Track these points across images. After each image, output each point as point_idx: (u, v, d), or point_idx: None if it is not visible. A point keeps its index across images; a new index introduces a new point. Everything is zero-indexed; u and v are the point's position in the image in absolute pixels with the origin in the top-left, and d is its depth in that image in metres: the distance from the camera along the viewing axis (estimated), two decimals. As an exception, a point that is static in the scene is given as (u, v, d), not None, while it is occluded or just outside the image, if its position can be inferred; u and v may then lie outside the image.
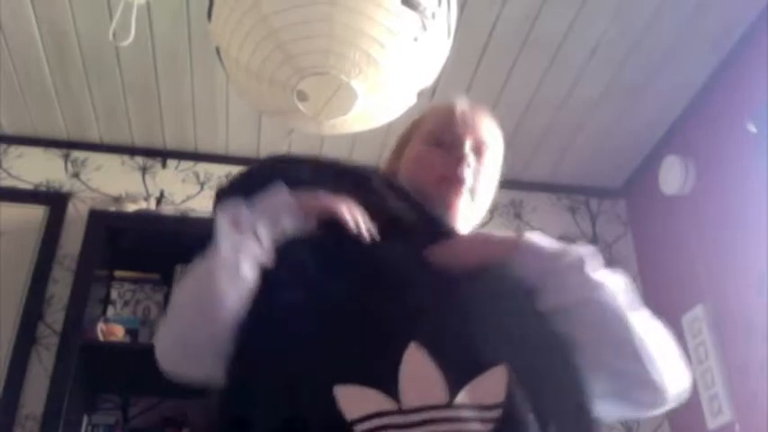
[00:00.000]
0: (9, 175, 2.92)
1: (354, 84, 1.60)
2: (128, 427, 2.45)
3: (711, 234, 2.72)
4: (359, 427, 0.86)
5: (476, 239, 1.14)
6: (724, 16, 2.54)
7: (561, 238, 3.16)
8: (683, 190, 2.86)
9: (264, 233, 1.05)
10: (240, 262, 1.01)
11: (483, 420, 0.89)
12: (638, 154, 3.19)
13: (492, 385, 0.92)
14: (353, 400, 0.88)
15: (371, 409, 0.88)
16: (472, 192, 1.21)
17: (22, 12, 2.47)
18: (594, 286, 1.04)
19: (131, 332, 2.45)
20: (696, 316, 2.73)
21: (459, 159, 1.20)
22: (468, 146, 1.21)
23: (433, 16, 1.14)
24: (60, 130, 2.98)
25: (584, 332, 1.02)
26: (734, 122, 2.61)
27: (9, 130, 2.98)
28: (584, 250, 1.08)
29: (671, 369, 1.06)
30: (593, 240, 3.27)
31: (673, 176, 2.89)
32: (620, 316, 1.03)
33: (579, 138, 3.09)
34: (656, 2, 2.49)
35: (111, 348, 2.37)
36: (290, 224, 1.07)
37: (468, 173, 1.20)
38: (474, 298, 1.02)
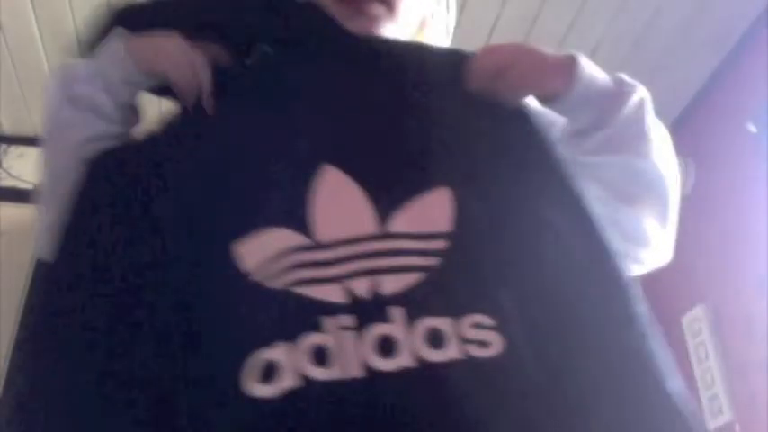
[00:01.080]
0: (9, 175, 2.92)
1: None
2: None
3: (711, 234, 2.71)
4: (262, 273, 0.68)
5: (525, 58, 0.89)
6: (724, 16, 2.54)
7: None
8: (682, 190, 2.84)
9: (104, 102, 0.89)
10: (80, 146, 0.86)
11: (424, 252, 0.70)
12: (638, 154, 3.19)
13: (433, 210, 0.73)
14: (252, 248, 0.70)
15: (272, 250, 0.68)
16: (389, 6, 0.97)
17: (22, 12, 2.47)
18: (647, 144, 0.89)
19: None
20: (696, 316, 2.73)
21: None
22: None
23: (432, 16, 1.13)
24: (60, 130, 2.98)
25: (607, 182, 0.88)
26: (734, 122, 2.61)
27: (9, 130, 2.98)
28: (641, 93, 0.92)
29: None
30: None
31: (673, 176, 2.89)
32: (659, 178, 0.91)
33: (579, 138, 3.08)
34: (656, 2, 2.49)
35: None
36: (127, 83, 0.90)
37: None
38: (413, 119, 0.81)
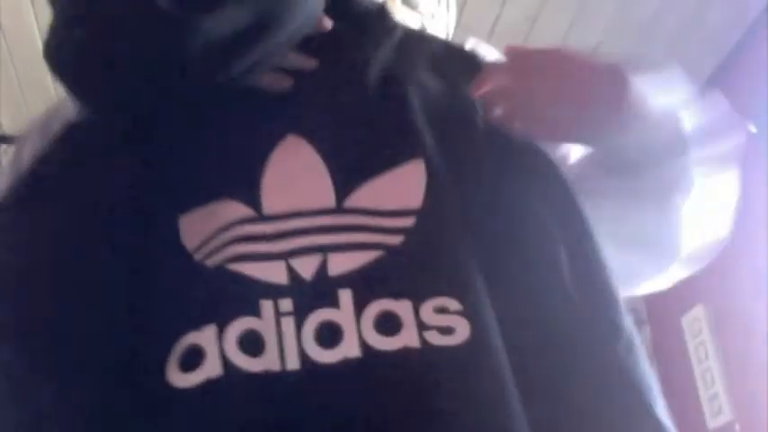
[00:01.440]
0: (9, 175, 2.92)
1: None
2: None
3: (711, 234, 2.71)
4: (203, 249, 0.61)
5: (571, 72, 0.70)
6: (724, 16, 2.54)
7: None
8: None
9: None
10: None
11: (386, 230, 0.62)
12: (638, 154, 3.19)
13: (403, 185, 0.64)
14: (196, 223, 0.62)
15: (215, 224, 0.61)
16: None
17: (22, 12, 2.46)
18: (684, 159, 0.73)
19: None
20: (696, 316, 2.73)
21: None
22: None
23: (433, 16, 1.11)
24: (60, 130, 2.98)
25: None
26: (734, 122, 2.61)
27: (9, 129, 2.97)
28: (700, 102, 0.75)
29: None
30: None
31: (673, 176, 2.89)
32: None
33: (579, 138, 3.08)
34: (656, 3, 2.49)
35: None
36: None
37: None
38: (388, 89, 0.71)
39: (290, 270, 0.59)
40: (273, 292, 0.58)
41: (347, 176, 0.64)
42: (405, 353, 0.55)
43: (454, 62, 0.78)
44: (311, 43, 0.70)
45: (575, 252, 0.67)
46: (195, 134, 0.67)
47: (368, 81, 0.71)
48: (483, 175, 0.68)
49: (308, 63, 0.70)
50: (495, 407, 0.55)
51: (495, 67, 0.73)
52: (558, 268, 0.65)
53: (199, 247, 0.61)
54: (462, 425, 0.54)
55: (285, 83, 0.69)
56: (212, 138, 0.67)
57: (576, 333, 0.62)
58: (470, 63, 0.77)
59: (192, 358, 0.55)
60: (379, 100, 0.70)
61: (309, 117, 0.68)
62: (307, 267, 0.59)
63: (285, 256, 0.60)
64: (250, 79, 0.66)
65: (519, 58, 0.71)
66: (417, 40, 0.81)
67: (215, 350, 0.55)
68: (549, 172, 0.72)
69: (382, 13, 0.80)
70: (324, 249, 0.60)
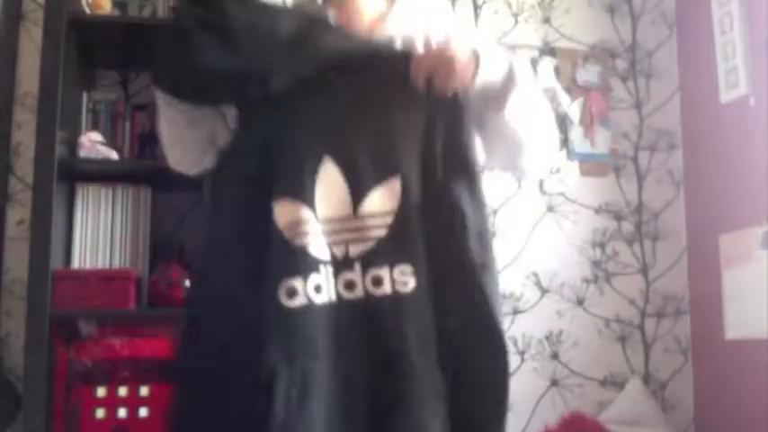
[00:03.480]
0: None
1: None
2: (130, 103, 2.42)
3: None
4: (287, 232, 1.19)
5: (444, 64, 1.21)
6: None
7: (596, 46, 2.80)
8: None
9: None
10: (168, 105, 1.29)
11: (378, 226, 1.21)
12: None
13: (388, 195, 1.21)
14: (284, 211, 1.19)
15: (295, 217, 1.18)
16: None
17: None
18: (526, 105, 1.29)
19: (119, 5, 2.32)
20: None
21: None
22: None
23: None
24: None
25: (496, 142, 1.33)
26: None
27: None
28: (520, 66, 1.29)
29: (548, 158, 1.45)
30: (632, 48, 2.88)
31: None
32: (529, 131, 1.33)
33: None
34: None
35: (101, 22, 2.26)
36: None
37: None
38: (381, 113, 1.23)
39: (331, 251, 1.20)
40: (324, 263, 1.20)
41: (357, 191, 1.20)
42: (385, 296, 1.20)
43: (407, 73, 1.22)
44: (344, 72, 1.21)
45: (481, 232, 1.24)
46: (281, 147, 1.21)
47: (371, 110, 1.22)
48: (437, 182, 1.22)
49: (341, 89, 1.22)
50: (423, 319, 1.20)
51: (419, 59, 1.21)
52: (467, 244, 1.22)
53: (285, 229, 1.18)
54: (409, 330, 1.19)
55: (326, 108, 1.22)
56: (290, 152, 1.21)
57: (475, 280, 1.22)
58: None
59: (292, 292, 1.17)
60: (376, 129, 1.22)
61: (337, 140, 1.21)
62: (337, 251, 1.21)
63: (328, 243, 1.20)
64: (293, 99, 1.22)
65: (424, 57, 1.21)
66: (396, 64, 1.23)
67: (303, 290, 1.17)
68: (475, 178, 1.24)
69: (377, 48, 1.28)
70: (346, 241, 1.21)
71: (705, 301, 2.69)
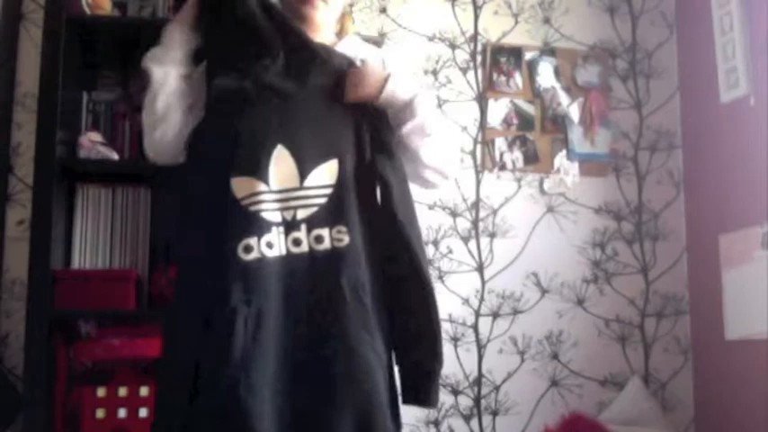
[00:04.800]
0: None
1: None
2: (130, 103, 2.42)
3: None
4: (244, 201, 1.48)
5: (366, 80, 1.59)
6: None
7: (596, 46, 2.82)
8: None
9: (177, 42, 1.61)
10: (167, 76, 1.59)
11: (320, 195, 1.51)
12: None
13: (328, 171, 1.52)
14: (241, 185, 1.49)
15: (251, 190, 1.48)
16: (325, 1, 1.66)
17: None
18: (422, 129, 1.63)
19: (119, 5, 2.32)
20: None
21: None
22: None
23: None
24: None
25: (403, 150, 1.64)
26: None
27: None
28: (424, 99, 1.64)
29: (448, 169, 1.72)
30: (632, 48, 2.89)
31: None
32: (428, 144, 1.64)
33: None
34: None
35: (101, 23, 2.26)
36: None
37: None
38: (325, 112, 1.57)
39: (282, 216, 1.50)
40: (276, 224, 1.49)
41: (304, 169, 1.52)
42: (325, 250, 1.51)
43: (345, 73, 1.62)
44: (292, 70, 1.57)
45: (404, 197, 1.58)
46: (242, 137, 1.53)
47: (315, 110, 1.57)
48: (365, 162, 1.57)
49: (290, 87, 1.57)
50: (356, 268, 1.51)
51: (351, 78, 1.60)
52: (392, 206, 1.56)
53: (242, 199, 1.48)
54: (343, 276, 1.49)
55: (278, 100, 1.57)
56: (250, 140, 1.52)
57: (401, 233, 1.56)
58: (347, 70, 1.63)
59: (248, 249, 1.46)
60: (322, 116, 1.57)
61: (289, 132, 1.53)
62: (287, 214, 1.51)
63: (281, 209, 1.50)
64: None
65: (357, 74, 1.61)
66: (337, 60, 1.62)
67: (257, 246, 1.46)
68: (396, 160, 1.61)
69: (320, 46, 1.62)
70: (295, 207, 1.51)
71: (705, 301, 2.69)
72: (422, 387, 1.54)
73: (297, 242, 1.49)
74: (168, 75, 1.58)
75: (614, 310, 2.76)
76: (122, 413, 2.05)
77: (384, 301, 1.53)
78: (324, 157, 1.53)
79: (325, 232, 1.50)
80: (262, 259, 1.45)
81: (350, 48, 1.71)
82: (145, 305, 2.20)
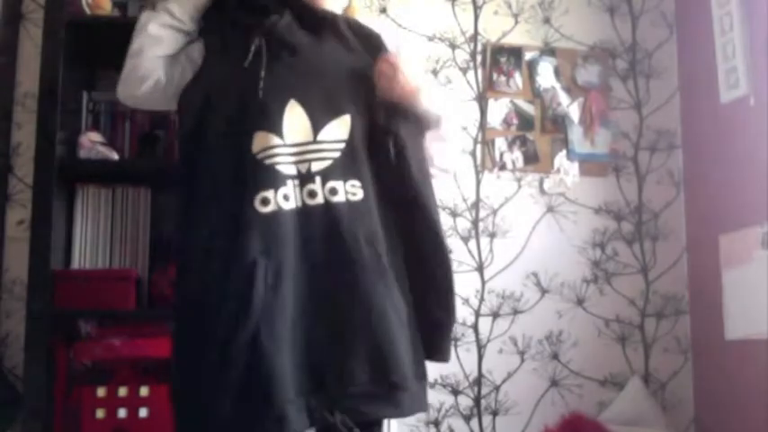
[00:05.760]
0: None
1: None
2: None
3: None
4: (259, 155, 1.51)
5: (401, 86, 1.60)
6: None
7: (596, 46, 2.95)
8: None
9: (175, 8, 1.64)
10: (158, 30, 1.63)
11: (333, 150, 1.54)
12: None
13: (340, 127, 1.55)
14: (256, 140, 1.51)
15: (266, 144, 1.51)
16: None
17: None
18: (440, 138, 1.69)
19: (119, 5, 2.32)
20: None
21: None
22: None
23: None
24: None
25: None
26: None
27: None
28: (448, 110, 1.71)
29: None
30: (632, 48, 2.88)
31: None
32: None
33: None
34: None
35: (101, 23, 2.26)
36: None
37: None
38: (335, 70, 1.59)
39: (297, 168, 1.52)
40: (291, 177, 1.52)
41: (317, 124, 1.54)
42: (341, 203, 1.52)
43: (365, 40, 1.65)
44: (305, 24, 1.61)
45: (419, 159, 1.62)
46: (255, 93, 1.54)
47: (327, 69, 1.59)
48: (379, 120, 1.59)
49: (304, 40, 1.61)
50: (370, 220, 1.54)
51: (383, 63, 1.60)
52: (407, 162, 1.59)
53: (258, 152, 1.51)
54: (359, 227, 1.52)
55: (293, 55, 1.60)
56: (263, 92, 1.54)
57: (416, 189, 1.59)
58: (374, 42, 1.66)
59: (266, 201, 1.48)
60: (332, 74, 1.59)
61: (301, 87, 1.56)
62: (302, 167, 1.53)
63: (295, 162, 1.52)
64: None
65: (392, 65, 1.60)
66: (345, 24, 1.65)
67: (274, 199, 1.49)
68: (411, 119, 1.62)
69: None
70: (309, 160, 1.53)
71: (705, 301, 2.69)
72: (434, 341, 1.57)
73: (312, 194, 1.49)
74: (150, 20, 1.63)
75: (614, 310, 2.76)
76: (122, 413, 2.05)
77: (400, 257, 1.55)
78: (336, 113, 1.54)
79: (339, 185, 1.51)
80: (278, 211, 1.47)
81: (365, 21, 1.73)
82: (145, 305, 2.20)
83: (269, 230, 1.46)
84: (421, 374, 1.53)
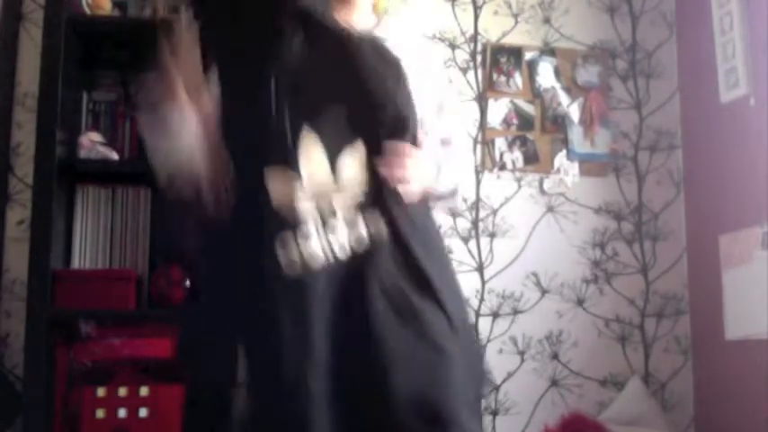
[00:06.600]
0: None
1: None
2: (130, 103, 2.42)
3: None
4: (276, 194, 1.42)
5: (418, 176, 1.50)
6: None
7: (596, 46, 2.92)
8: None
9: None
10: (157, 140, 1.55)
11: (352, 181, 1.45)
12: None
13: (355, 155, 1.46)
14: (275, 176, 1.43)
15: (284, 180, 1.42)
16: None
17: None
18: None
19: (119, 5, 2.32)
20: (726, -17, 2.55)
21: None
22: None
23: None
24: None
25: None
26: None
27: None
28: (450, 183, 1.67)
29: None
30: (632, 48, 2.88)
31: None
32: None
33: None
34: None
35: (101, 23, 2.27)
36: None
37: None
38: (345, 91, 1.46)
39: (318, 208, 1.43)
40: (310, 214, 1.43)
41: (331, 157, 1.44)
42: (362, 237, 1.44)
43: (385, 66, 1.50)
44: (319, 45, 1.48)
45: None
46: (271, 116, 1.43)
47: (341, 86, 1.47)
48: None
49: (308, 64, 1.47)
50: (395, 257, 1.46)
51: (391, 157, 1.46)
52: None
53: (274, 192, 1.42)
54: (388, 261, 1.45)
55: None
56: (274, 122, 1.43)
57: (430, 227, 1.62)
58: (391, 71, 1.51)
59: (284, 242, 1.40)
60: (344, 96, 1.47)
61: (315, 115, 1.44)
62: (323, 206, 1.43)
63: (312, 198, 1.42)
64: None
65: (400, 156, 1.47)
66: (370, 46, 1.51)
67: (292, 240, 1.41)
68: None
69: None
70: (329, 197, 1.43)
71: (705, 301, 2.69)
72: None
73: (333, 230, 1.41)
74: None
75: (614, 310, 2.76)
76: (122, 413, 2.04)
77: (443, 290, 1.50)
78: (350, 139, 1.44)
79: (361, 219, 1.43)
80: (301, 261, 1.40)
81: (387, 33, 1.59)
82: (145, 305, 2.20)
83: (293, 290, 1.41)
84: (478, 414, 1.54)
